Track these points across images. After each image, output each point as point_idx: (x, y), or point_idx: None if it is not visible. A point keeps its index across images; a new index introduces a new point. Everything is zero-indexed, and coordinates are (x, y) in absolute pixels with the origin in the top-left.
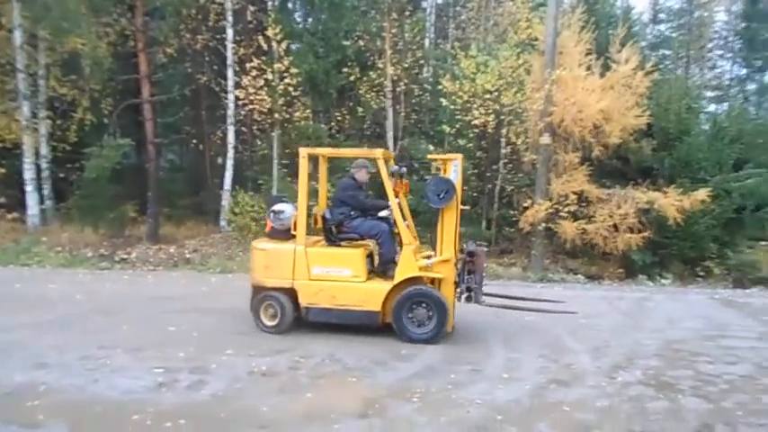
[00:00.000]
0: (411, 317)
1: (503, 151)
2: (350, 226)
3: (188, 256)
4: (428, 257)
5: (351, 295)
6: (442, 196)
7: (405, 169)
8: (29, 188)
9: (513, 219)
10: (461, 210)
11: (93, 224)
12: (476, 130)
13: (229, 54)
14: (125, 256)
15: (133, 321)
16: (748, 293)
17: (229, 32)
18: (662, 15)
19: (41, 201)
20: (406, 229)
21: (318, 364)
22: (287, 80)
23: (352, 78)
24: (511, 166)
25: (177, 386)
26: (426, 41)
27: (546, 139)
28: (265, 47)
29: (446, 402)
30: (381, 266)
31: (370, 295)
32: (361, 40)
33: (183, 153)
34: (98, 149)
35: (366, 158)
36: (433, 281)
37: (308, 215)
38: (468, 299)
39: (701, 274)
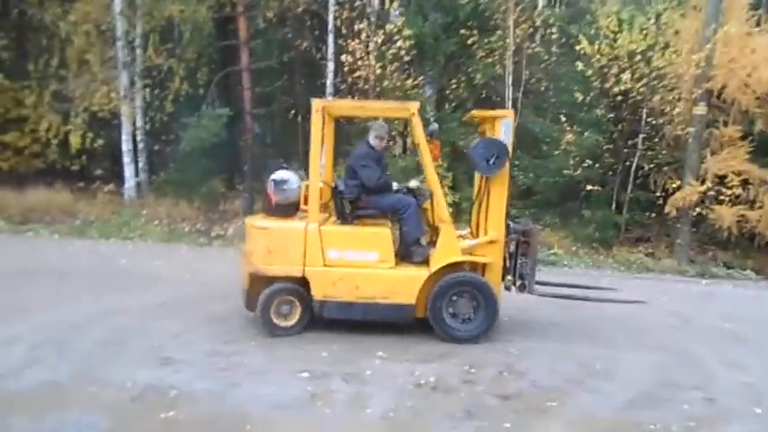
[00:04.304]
0: (452, 310)
1: (644, 124)
2: (369, 200)
3: None
4: (460, 237)
5: (378, 285)
6: (492, 162)
7: (438, 127)
8: (126, 160)
9: (652, 202)
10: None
11: (188, 198)
12: (618, 98)
13: (330, 18)
14: (221, 233)
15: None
16: None
17: None
18: None
19: (137, 173)
20: (444, 203)
21: (497, 377)
22: (399, 43)
23: (470, 42)
24: (649, 141)
25: (334, 399)
26: None
27: (701, 109)
28: (376, 5)
29: None
30: (404, 248)
31: (403, 285)
32: None
33: (272, 126)
34: (197, 120)
35: (397, 116)
36: (474, 266)
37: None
38: (522, 287)
39: None
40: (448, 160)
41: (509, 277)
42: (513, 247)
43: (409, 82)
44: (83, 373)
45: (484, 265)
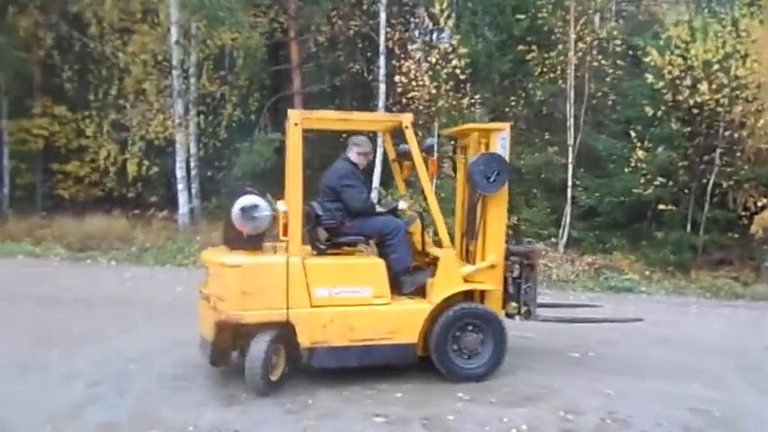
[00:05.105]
0: (456, 346)
1: (721, 138)
2: (353, 225)
3: None
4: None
5: (376, 324)
6: (492, 179)
7: (435, 143)
8: (180, 186)
9: (732, 221)
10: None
11: None
12: (693, 111)
13: (382, 40)
14: None
15: None
16: None
17: (382, 16)
18: None
19: (190, 199)
20: (444, 226)
21: (600, 426)
22: (454, 62)
23: (527, 58)
24: (728, 157)
25: None
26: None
27: None
28: (430, 24)
29: None
30: (392, 278)
31: (404, 322)
32: (541, 12)
33: (314, 150)
34: (249, 145)
35: (386, 128)
36: (470, 295)
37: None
38: (528, 314)
39: None
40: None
41: (513, 304)
42: (516, 272)
43: (465, 101)
44: (143, 413)
45: (482, 294)
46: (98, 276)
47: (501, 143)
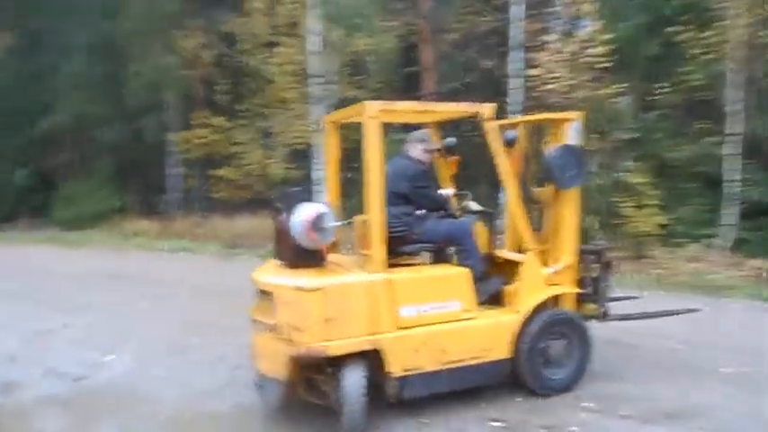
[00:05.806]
0: (543, 357)
1: None
2: (422, 230)
3: None
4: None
5: (468, 342)
6: (571, 174)
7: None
8: (317, 188)
9: None
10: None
11: None
12: None
13: (515, 34)
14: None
15: None
16: None
17: (514, 9)
18: None
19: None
20: (528, 227)
21: None
22: (596, 49)
23: (678, 40)
24: None
25: None
26: None
27: None
28: (568, 12)
29: None
30: None
31: (496, 336)
32: None
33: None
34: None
35: (466, 118)
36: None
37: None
38: (604, 316)
39: None
40: (652, 176)
41: (592, 306)
42: (597, 272)
43: (610, 90)
44: None
45: (555, 297)
46: (244, 271)
47: (573, 134)
